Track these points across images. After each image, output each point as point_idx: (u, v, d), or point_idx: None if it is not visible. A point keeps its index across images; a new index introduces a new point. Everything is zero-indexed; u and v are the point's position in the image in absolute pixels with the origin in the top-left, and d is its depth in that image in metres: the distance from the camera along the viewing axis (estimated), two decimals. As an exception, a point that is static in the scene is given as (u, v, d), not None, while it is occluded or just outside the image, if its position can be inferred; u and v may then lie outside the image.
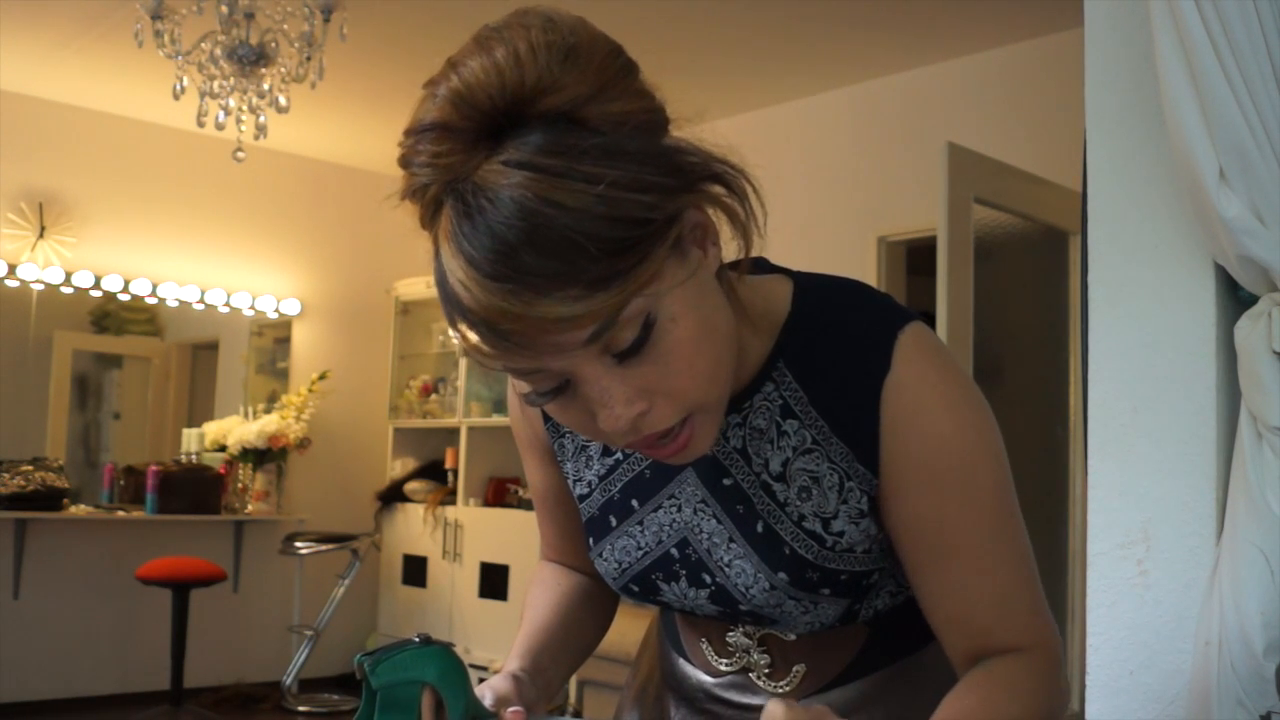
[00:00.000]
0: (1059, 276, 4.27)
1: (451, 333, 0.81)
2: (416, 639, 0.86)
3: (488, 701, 0.91)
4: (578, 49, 0.77)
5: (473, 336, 0.77)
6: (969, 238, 3.78)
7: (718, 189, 0.83)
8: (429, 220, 0.79)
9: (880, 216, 4.83)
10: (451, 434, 6.16)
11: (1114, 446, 1.62)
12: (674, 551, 0.99)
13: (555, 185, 0.73)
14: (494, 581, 5.62)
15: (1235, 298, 1.54)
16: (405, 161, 0.79)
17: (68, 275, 5.56)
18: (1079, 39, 1.72)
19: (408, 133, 0.79)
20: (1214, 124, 1.38)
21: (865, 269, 4.77)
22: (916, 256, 4.89)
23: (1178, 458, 1.55)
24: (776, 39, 4.59)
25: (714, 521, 0.97)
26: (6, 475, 5.11)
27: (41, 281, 5.52)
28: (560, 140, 0.75)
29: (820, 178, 5.12)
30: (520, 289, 0.73)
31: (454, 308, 0.78)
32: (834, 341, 0.94)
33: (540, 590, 1.13)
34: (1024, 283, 4.43)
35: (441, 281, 0.78)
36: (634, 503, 1.01)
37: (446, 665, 0.85)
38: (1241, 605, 1.38)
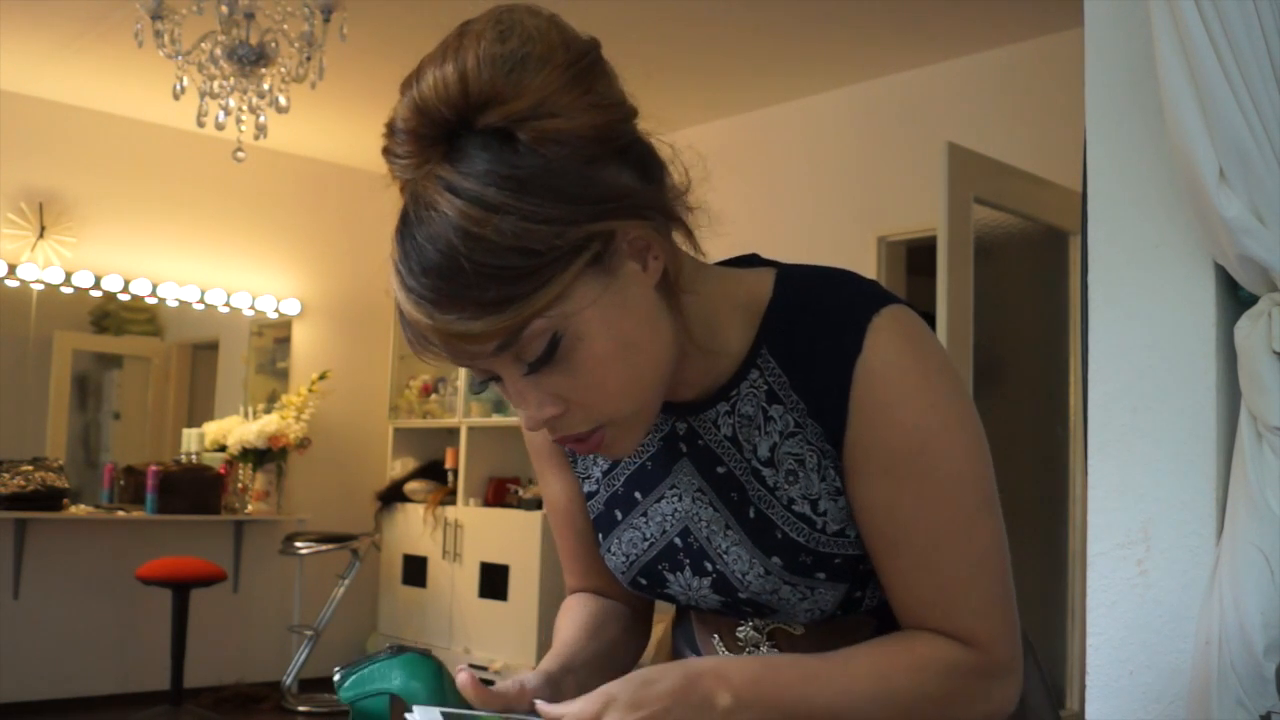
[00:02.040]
0: (1059, 276, 4.27)
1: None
2: (389, 650, 0.87)
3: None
4: (528, 60, 0.81)
5: (402, 327, 0.84)
6: (969, 238, 3.78)
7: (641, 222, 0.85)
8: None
9: (880, 216, 4.83)
10: (451, 434, 6.16)
11: (1114, 446, 1.62)
12: (677, 541, 1.00)
13: (463, 212, 0.79)
14: (494, 581, 5.62)
15: (1235, 298, 1.54)
16: (384, 154, 0.86)
17: (68, 275, 5.56)
18: (1079, 39, 1.72)
19: (387, 127, 0.85)
20: (1214, 124, 1.38)
21: (865, 269, 4.77)
22: (916, 256, 4.89)
23: (1178, 458, 1.55)
24: (777, 39, 4.59)
25: (711, 509, 0.98)
26: (6, 475, 5.11)
27: (41, 281, 5.52)
28: (488, 160, 0.80)
29: (820, 178, 5.11)
30: (423, 302, 0.81)
31: (396, 300, 0.84)
32: (811, 324, 0.94)
33: (567, 616, 1.11)
34: (1024, 283, 4.43)
35: (388, 262, 0.85)
36: (637, 495, 1.02)
37: (410, 673, 0.85)
38: (1241, 605, 1.38)
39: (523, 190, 0.79)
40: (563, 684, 0.96)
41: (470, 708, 0.88)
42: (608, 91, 0.84)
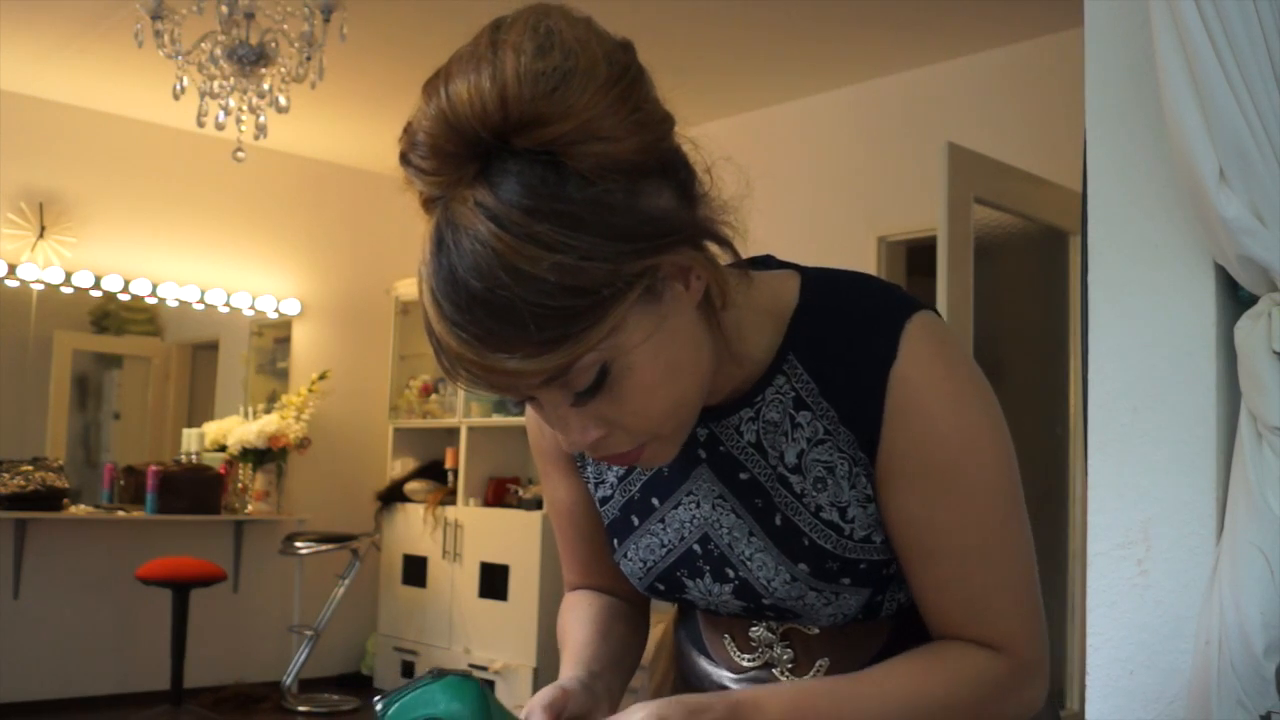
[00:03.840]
0: (1059, 276, 4.27)
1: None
2: (430, 674, 0.86)
3: (535, 717, 0.88)
4: (571, 77, 0.76)
5: (437, 353, 0.81)
6: (969, 238, 3.78)
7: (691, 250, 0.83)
8: (427, 214, 0.81)
9: (880, 216, 4.83)
10: (451, 434, 6.15)
11: (1114, 446, 1.62)
12: (696, 548, 1.00)
13: (515, 249, 0.74)
14: (494, 581, 5.62)
15: (1235, 298, 1.54)
16: (403, 160, 0.80)
17: (68, 275, 5.56)
18: (1079, 39, 1.72)
19: (406, 132, 0.80)
20: (1214, 124, 1.38)
21: (865, 269, 4.76)
22: (916, 256, 4.89)
23: (1178, 458, 1.55)
24: (777, 39, 4.59)
25: (733, 516, 0.98)
26: (6, 475, 5.11)
27: (41, 281, 5.52)
28: (534, 190, 0.76)
29: (820, 178, 5.11)
30: (470, 339, 0.77)
31: (425, 324, 0.81)
32: (842, 330, 0.93)
33: (573, 615, 1.12)
34: (1024, 283, 4.43)
35: (419, 284, 0.81)
36: (654, 500, 1.01)
37: (459, 695, 0.84)
38: (1241, 605, 1.38)
39: (578, 228, 0.75)
40: (594, 689, 0.96)
41: None
42: (649, 105, 0.81)
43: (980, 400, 0.93)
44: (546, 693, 0.91)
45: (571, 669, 1.00)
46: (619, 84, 0.78)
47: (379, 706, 0.85)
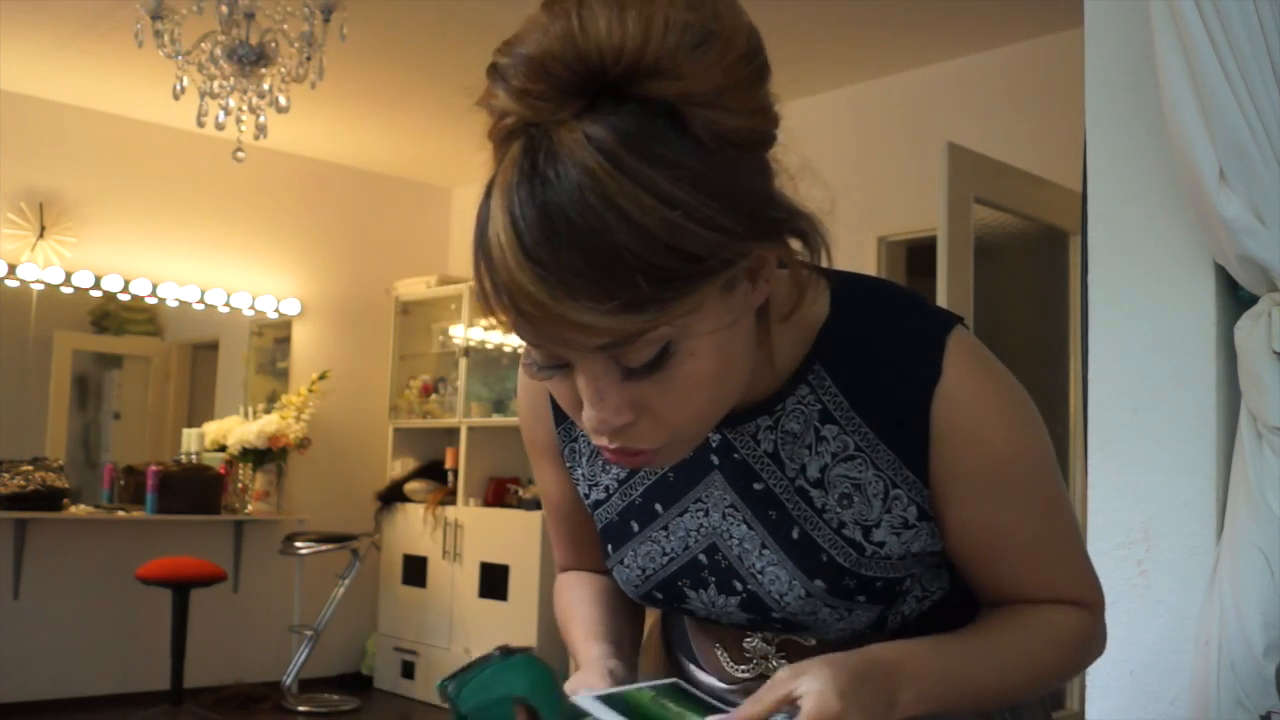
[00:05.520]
0: (1059, 276, 4.27)
1: (473, 275, 0.76)
2: (496, 652, 0.82)
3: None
4: (714, 38, 0.72)
5: (490, 291, 0.74)
6: (969, 238, 3.78)
7: (793, 242, 0.81)
8: (498, 142, 0.75)
9: (880, 216, 4.83)
10: (451, 434, 6.15)
11: (1114, 446, 1.62)
12: (702, 558, 0.96)
13: (626, 189, 0.69)
14: (494, 581, 5.62)
15: (1235, 298, 1.54)
16: (494, 76, 0.74)
17: (68, 275, 5.55)
18: (1079, 39, 1.72)
19: (509, 45, 0.73)
20: (1214, 124, 1.38)
21: (865, 269, 4.77)
22: (916, 256, 4.89)
23: (1178, 458, 1.55)
24: (777, 39, 4.53)
25: (744, 527, 0.94)
26: (6, 475, 5.11)
27: (41, 281, 5.52)
28: (654, 136, 0.71)
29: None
30: (552, 280, 0.70)
31: (484, 257, 0.73)
32: (878, 345, 0.91)
33: (575, 594, 1.10)
34: (1024, 283, 4.43)
35: (482, 223, 0.73)
36: (658, 507, 0.98)
37: (534, 674, 0.81)
38: (1241, 605, 1.38)
39: (701, 189, 0.71)
40: (632, 661, 0.99)
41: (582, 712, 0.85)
42: (769, 98, 0.78)
43: (1023, 403, 0.94)
44: (589, 680, 0.91)
45: (595, 645, 0.99)
46: (753, 61, 0.76)
47: (449, 689, 0.81)
